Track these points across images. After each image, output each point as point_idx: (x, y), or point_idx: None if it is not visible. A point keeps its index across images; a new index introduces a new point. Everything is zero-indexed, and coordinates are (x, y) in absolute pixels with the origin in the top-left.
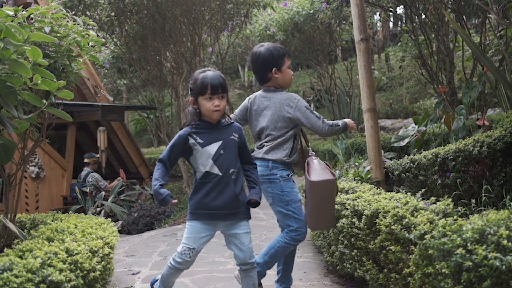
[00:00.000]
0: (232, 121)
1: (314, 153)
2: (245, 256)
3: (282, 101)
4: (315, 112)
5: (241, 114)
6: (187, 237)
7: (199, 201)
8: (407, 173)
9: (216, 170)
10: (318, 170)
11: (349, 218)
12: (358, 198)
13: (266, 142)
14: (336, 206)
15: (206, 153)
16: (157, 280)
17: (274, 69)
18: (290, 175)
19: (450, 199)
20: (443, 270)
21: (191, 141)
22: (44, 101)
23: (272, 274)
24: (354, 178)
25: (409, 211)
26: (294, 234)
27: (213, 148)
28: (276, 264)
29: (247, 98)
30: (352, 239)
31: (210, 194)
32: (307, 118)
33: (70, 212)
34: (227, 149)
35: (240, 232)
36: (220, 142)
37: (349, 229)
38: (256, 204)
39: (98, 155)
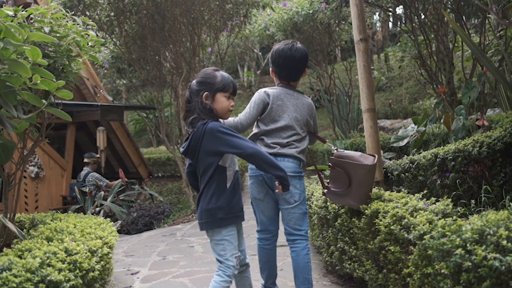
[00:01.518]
0: None
1: (337, 146)
2: (244, 257)
3: (308, 106)
4: None
5: (259, 111)
6: (234, 247)
7: (238, 201)
8: (407, 173)
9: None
10: (362, 156)
11: (349, 214)
12: None
13: (294, 141)
14: (335, 206)
15: None
16: None
17: (306, 69)
18: None
19: (450, 200)
20: (442, 271)
21: None
22: (44, 101)
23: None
24: None
25: (409, 211)
26: (307, 235)
27: None
28: (261, 271)
29: (262, 94)
30: (352, 231)
31: (239, 194)
32: (316, 128)
33: (69, 212)
34: None
35: (241, 233)
36: None
37: (349, 223)
38: None
39: (97, 155)
